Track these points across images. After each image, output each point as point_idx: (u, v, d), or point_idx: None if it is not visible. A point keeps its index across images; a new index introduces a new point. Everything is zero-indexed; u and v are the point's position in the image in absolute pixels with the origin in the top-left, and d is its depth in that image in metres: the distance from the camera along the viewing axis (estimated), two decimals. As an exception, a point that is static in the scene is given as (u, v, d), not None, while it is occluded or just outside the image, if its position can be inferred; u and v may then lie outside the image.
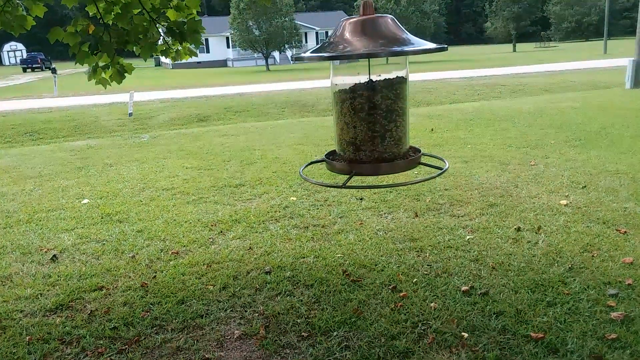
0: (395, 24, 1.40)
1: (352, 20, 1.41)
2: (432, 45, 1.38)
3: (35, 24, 3.99)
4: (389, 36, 1.37)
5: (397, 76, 1.50)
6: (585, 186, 5.41)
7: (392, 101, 1.49)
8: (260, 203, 5.45)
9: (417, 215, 4.79)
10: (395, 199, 5.26)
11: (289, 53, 47.81)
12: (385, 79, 1.48)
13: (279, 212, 5.11)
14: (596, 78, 19.42)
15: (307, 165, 1.88)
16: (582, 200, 4.98)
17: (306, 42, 52.21)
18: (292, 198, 5.53)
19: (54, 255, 4.25)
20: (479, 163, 6.66)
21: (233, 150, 8.48)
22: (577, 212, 4.65)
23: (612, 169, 6.02)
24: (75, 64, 3.79)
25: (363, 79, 1.47)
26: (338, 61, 1.54)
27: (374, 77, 1.46)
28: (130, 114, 13.97)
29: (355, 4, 45.02)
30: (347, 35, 1.38)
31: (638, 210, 4.61)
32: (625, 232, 4.14)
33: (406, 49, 1.36)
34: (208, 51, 51.06)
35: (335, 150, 1.64)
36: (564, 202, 4.95)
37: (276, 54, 46.41)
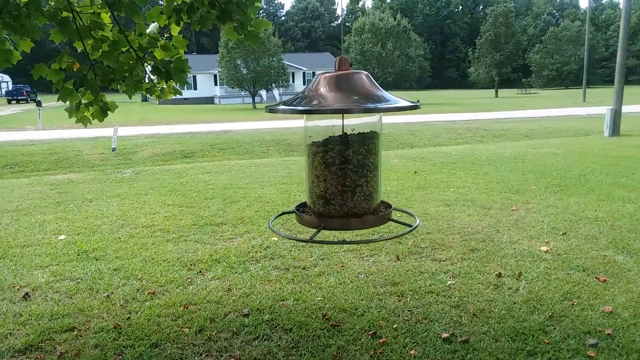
0: (369, 80, 1.42)
1: (327, 75, 1.42)
2: (405, 103, 1.40)
3: (21, 58, 3.98)
4: (363, 92, 1.39)
5: (370, 131, 1.51)
6: (565, 233, 5.45)
7: (363, 156, 1.49)
8: (242, 242, 5.39)
9: (398, 259, 4.77)
10: (377, 242, 5.24)
11: (276, 92, 48.39)
12: (357, 134, 1.48)
13: (260, 252, 5.06)
14: (576, 125, 19.89)
15: (277, 216, 1.86)
16: (562, 247, 5.01)
17: (293, 81, 52.97)
18: (273, 238, 5.48)
19: (26, 293, 4.13)
20: (461, 207, 6.69)
21: (216, 188, 8.44)
22: (558, 259, 4.67)
23: (592, 215, 6.09)
24: (58, 100, 3.78)
25: (337, 132, 1.47)
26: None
27: (348, 131, 1.47)
28: (114, 149, 13.89)
29: (342, 46, 45.98)
30: (322, 89, 1.39)
31: (617, 259, 4.64)
32: (604, 280, 4.16)
33: (379, 106, 1.37)
34: (195, 88, 51.49)
35: (306, 202, 1.63)
36: (544, 248, 4.97)
37: (263, 92, 46.92)
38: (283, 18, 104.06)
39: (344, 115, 1.45)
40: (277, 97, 50.04)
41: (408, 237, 5.39)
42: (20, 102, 48.89)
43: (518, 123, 21.06)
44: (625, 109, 16.86)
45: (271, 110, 1.42)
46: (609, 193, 7.28)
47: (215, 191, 8.15)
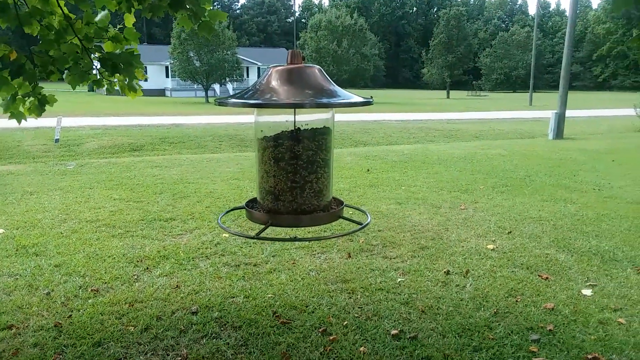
0: (322, 74, 1.39)
1: (279, 68, 1.39)
2: (358, 99, 1.38)
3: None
4: (316, 87, 1.36)
5: (322, 127, 1.48)
6: (510, 232, 5.61)
7: (313, 152, 1.46)
8: (191, 239, 5.28)
9: (350, 256, 4.78)
10: (328, 239, 5.23)
11: (229, 86, 47.80)
12: (308, 129, 1.45)
13: (210, 248, 4.97)
14: (522, 128, 20.58)
15: (227, 212, 1.81)
16: (508, 245, 5.16)
17: (247, 76, 52.47)
18: (224, 235, 5.40)
19: (-42, 290, 3.90)
20: (412, 205, 6.79)
21: (166, 182, 8.24)
22: (503, 257, 4.80)
23: (536, 215, 6.30)
24: (-9, 90, 3.57)
25: (288, 127, 1.44)
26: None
27: (300, 126, 1.44)
28: (57, 140, 13.35)
29: (298, 42, 45.89)
30: (274, 83, 1.36)
31: (559, 257, 4.81)
32: (547, 277, 4.30)
33: (332, 101, 1.35)
34: (146, 80, 50.17)
35: (256, 198, 1.59)
36: (491, 246, 5.10)
37: (217, 86, 46.27)
38: (238, 11, 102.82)
39: (296, 110, 1.42)
40: (231, 92, 49.42)
41: (359, 234, 5.42)
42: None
43: (468, 124, 21.61)
44: (569, 113, 17.57)
45: (221, 103, 1.37)
46: (552, 194, 7.56)
47: (165, 186, 7.96)
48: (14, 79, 3.63)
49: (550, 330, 3.40)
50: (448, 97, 54.41)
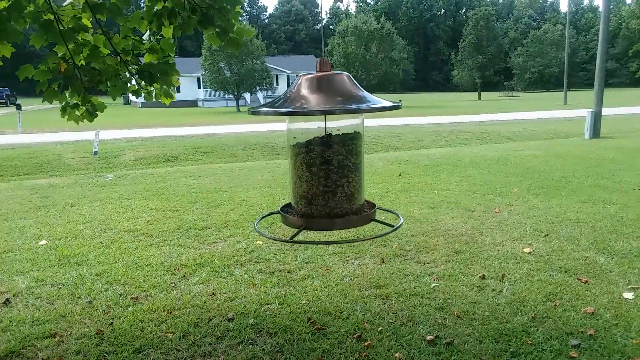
0: (350, 81, 1.42)
1: (309, 76, 1.42)
2: (387, 104, 1.40)
3: (1, 63, 3.92)
4: (345, 93, 1.39)
5: (352, 132, 1.51)
6: (547, 234, 5.51)
7: (344, 157, 1.49)
8: (226, 246, 5.36)
9: (383, 262, 4.78)
10: (361, 245, 5.24)
11: (260, 95, 48.29)
12: (338, 135, 1.48)
13: (245, 256, 5.03)
14: (557, 128, 20.15)
15: (263, 217, 1.85)
16: (545, 248, 5.06)
17: (277, 84, 52.88)
18: (258, 242, 5.46)
19: (7, 299, 4.06)
20: (445, 209, 6.73)
21: (200, 191, 8.39)
22: (540, 261, 4.72)
23: (573, 217, 6.17)
24: (42, 101, 3.73)
25: (320, 134, 1.47)
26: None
27: (331, 132, 1.46)
28: (96, 153, 13.72)
29: (326, 49, 45.98)
30: (304, 91, 1.39)
31: (598, 260, 4.70)
32: (586, 281, 4.21)
33: (361, 106, 1.37)
34: (179, 91, 51.09)
35: (290, 203, 1.63)
36: (527, 250, 5.02)
37: (247, 95, 46.79)
38: (266, 21, 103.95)
39: (327, 116, 1.44)
40: (261, 100, 49.89)
41: (393, 239, 5.41)
42: (0, 105, 48.14)
43: (500, 126, 21.28)
44: (605, 111, 17.11)
45: (254, 112, 1.41)
46: (590, 195, 7.38)
47: (199, 195, 8.10)
48: (62, 91, 3.78)
49: (590, 335, 3.33)
50: (479, 98, 53.67)
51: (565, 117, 25.41)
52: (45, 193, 8.55)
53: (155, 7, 4.04)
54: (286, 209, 1.63)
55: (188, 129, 21.03)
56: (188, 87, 50.92)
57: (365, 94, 1.42)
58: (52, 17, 3.87)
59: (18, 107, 22.13)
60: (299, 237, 1.51)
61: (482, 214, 6.47)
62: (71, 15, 4.06)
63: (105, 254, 5.18)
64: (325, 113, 1.40)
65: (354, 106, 1.37)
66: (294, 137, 1.53)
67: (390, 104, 1.40)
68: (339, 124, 1.50)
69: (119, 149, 14.66)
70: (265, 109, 1.41)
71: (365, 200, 1.66)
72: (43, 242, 5.62)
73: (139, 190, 8.62)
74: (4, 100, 48.33)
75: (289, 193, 1.67)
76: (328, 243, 1.76)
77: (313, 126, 1.49)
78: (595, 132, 15.79)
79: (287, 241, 1.49)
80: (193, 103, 50.68)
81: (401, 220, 1.69)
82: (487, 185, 8.35)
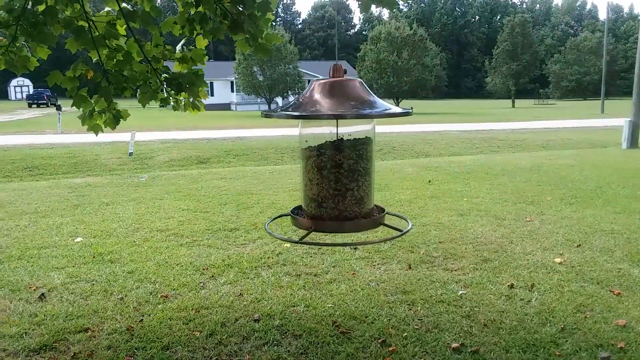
0: (363, 87, 1.45)
1: (322, 81, 1.45)
2: (398, 110, 1.42)
3: (38, 65, 4.08)
4: (357, 98, 1.41)
5: (363, 137, 1.52)
6: (580, 245, 5.40)
7: (354, 161, 1.51)
8: (254, 248, 5.43)
9: (410, 268, 4.76)
10: (389, 250, 5.24)
11: (291, 99, 48.52)
12: (350, 140, 1.50)
13: (272, 258, 5.09)
14: (593, 137, 19.68)
15: (274, 219, 1.89)
16: (577, 259, 4.97)
17: (309, 89, 53.14)
18: (285, 244, 5.51)
19: (42, 294, 4.20)
20: (474, 217, 6.67)
21: (230, 193, 8.51)
22: (571, 271, 4.63)
23: (607, 228, 6.03)
24: (72, 106, 3.87)
25: (331, 138, 1.49)
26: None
27: (342, 136, 1.49)
28: (131, 154, 14.07)
29: (358, 55, 46.02)
30: (317, 96, 1.42)
31: (632, 272, 4.59)
32: (619, 293, 4.12)
33: (373, 112, 1.40)
34: (212, 94, 51.87)
35: (301, 205, 1.65)
36: (558, 260, 4.93)
37: (279, 99, 47.18)
38: (300, 26, 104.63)
39: (338, 121, 1.47)
40: (293, 105, 50.18)
41: (420, 245, 5.39)
42: (41, 106, 49.70)
43: (534, 134, 20.91)
44: (644, 121, 16.62)
45: (267, 115, 1.46)
46: (626, 206, 7.20)
47: (230, 197, 8.21)
48: (91, 96, 3.91)
49: (621, 347, 3.26)
50: (513, 106, 52.83)
51: (602, 126, 24.79)
52: (82, 192, 8.80)
53: (189, 11, 4.14)
54: (297, 211, 1.66)
55: (220, 132, 21.32)
56: (222, 91, 51.64)
57: (377, 99, 1.45)
58: (85, 23, 4.02)
59: (58, 108, 22.82)
60: (309, 239, 1.54)
61: (512, 222, 6.38)
62: (105, 22, 4.19)
63: (137, 252, 5.30)
64: (336, 117, 1.43)
65: (366, 111, 1.40)
66: (306, 141, 1.56)
67: (400, 110, 1.43)
68: (351, 129, 1.53)
69: (153, 151, 14.97)
70: (278, 112, 1.45)
71: (375, 205, 1.68)
72: (79, 239, 5.80)
73: (171, 191, 8.79)
74: (45, 101, 49.89)
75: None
76: (334, 245, 1.79)
77: (325, 130, 1.51)
78: (633, 142, 15.37)
79: (295, 242, 1.52)
80: (226, 106, 51.32)
81: (410, 225, 1.70)
82: (518, 193, 8.22)
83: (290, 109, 1.45)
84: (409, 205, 7.41)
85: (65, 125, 21.87)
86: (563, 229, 6.01)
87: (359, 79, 1.47)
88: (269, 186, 9.19)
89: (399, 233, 1.64)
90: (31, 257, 5.14)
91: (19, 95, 64.67)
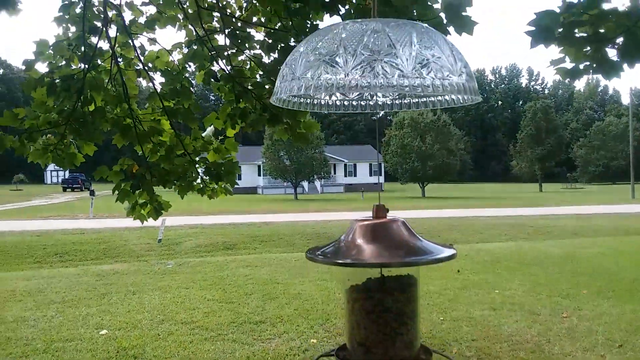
0: (406, 227, 1.45)
1: (364, 224, 1.46)
2: (444, 254, 1.42)
3: (84, 161, 4.26)
4: (400, 244, 1.41)
5: (409, 276, 1.51)
6: (621, 345, 5.12)
7: (403, 304, 1.49)
8: (280, 344, 5.29)
9: (442, 369, 4.55)
10: None
11: (317, 183, 49.24)
12: (397, 281, 1.49)
13: (299, 355, 4.94)
14: (626, 223, 19.22)
15: (317, 359, 1.82)
16: (620, 361, 4.70)
17: (334, 172, 53.92)
18: (312, 340, 5.36)
19: (64, 392, 4.12)
20: (507, 311, 6.43)
21: (256, 282, 8.43)
22: (615, 376, 4.36)
23: (650, 326, 5.73)
24: (116, 201, 3.98)
25: (375, 274, 1.48)
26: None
27: (384, 274, 1.47)
28: (160, 240, 14.23)
29: (383, 139, 46.90)
30: (359, 240, 1.43)
31: (682, 377, 4.30)
32: (669, 403, 3.84)
33: (418, 259, 1.40)
34: (240, 178, 52.88)
35: (346, 345, 1.60)
36: (600, 362, 4.67)
37: (305, 183, 47.80)
38: (326, 111, 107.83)
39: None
40: (319, 188, 50.78)
41: (452, 343, 5.19)
42: (75, 190, 51.27)
43: (564, 220, 20.54)
44: (678, 207, 16.25)
45: (311, 258, 1.46)
46: (667, 300, 6.87)
47: (255, 286, 8.13)
48: (134, 191, 4.04)
49: None
50: (541, 190, 52.39)
51: (635, 212, 24.26)
52: (109, 280, 8.85)
53: (230, 108, 4.32)
54: (342, 354, 1.60)
55: (247, 217, 21.54)
56: (249, 175, 52.69)
57: (420, 241, 1.45)
58: (131, 121, 4.22)
59: (92, 193, 23.51)
60: None
61: (548, 318, 6.12)
62: (150, 119, 4.41)
63: (161, 347, 5.21)
64: (382, 266, 1.43)
65: (411, 259, 1.40)
66: (348, 280, 1.55)
67: (446, 254, 1.42)
68: (397, 270, 1.52)
69: (181, 236, 15.14)
70: (322, 257, 1.45)
71: (421, 345, 1.63)
72: (104, 331, 5.75)
73: (197, 280, 8.76)
74: (79, 185, 51.50)
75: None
76: None
77: (367, 268, 1.50)
78: (669, 230, 14.92)
79: None
80: (253, 190, 52.16)
81: None
82: (552, 285, 7.95)
83: (330, 253, 1.46)
84: (438, 297, 7.21)
85: (96, 210, 22.42)
86: (602, 327, 5.73)
87: (402, 220, 1.48)
88: (294, 275, 9.10)
89: None
90: (56, 351, 5.10)
91: (54, 180, 67.07)
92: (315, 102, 1.47)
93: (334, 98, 1.59)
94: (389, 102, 1.59)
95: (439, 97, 1.35)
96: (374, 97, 1.60)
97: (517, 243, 14.27)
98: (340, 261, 1.41)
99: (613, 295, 7.27)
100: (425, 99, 1.47)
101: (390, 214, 1.52)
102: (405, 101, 1.54)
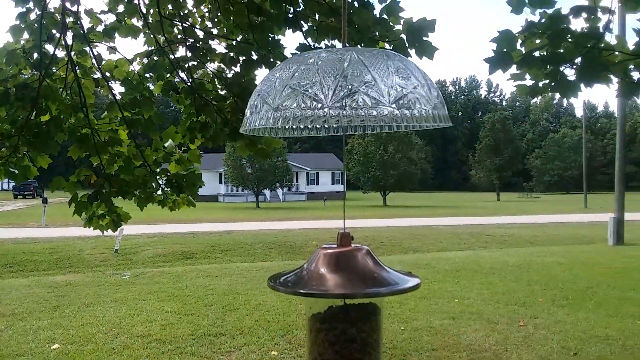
0: (371, 257, 1.43)
1: (328, 252, 1.43)
2: (408, 284, 1.40)
3: (38, 174, 4.09)
4: (365, 274, 1.39)
5: (371, 304, 1.48)
6: (576, 353, 5.26)
7: (366, 334, 1.46)
8: (240, 356, 5.20)
9: (403, 380, 4.56)
10: None
11: (279, 191, 49.05)
12: (360, 309, 1.46)
13: (259, 368, 4.86)
14: (579, 232, 19.85)
15: None
16: (574, 369, 4.81)
17: (297, 181, 53.84)
18: (273, 352, 5.29)
19: (11, 412, 3.92)
20: (466, 320, 6.51)
21: (216, 293, 8.29)
22: (570, 384, 4.46)
23: (602, 333, 5.90)
24: (73, 215, 3.83)
25: (337, 302, 1.45)
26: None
27: (348, 301, 1.44)
28: (116, 251, 13.83)
29: (346, 148, 47.16)
30: (322, 269, 1.40)
31: (632, 384, 4.43)
32: (621, 410, 3.94)
33: (382, 290, 1.38)
34: (200, 186, 52.15)
35: None
36: (555, 370, 4.77)
37: (267, 191, 47.52)
38: (298, 135, 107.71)
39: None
40: (280, 196, 50.58)
41: (412, 353, 5.21)
42: (27, 197, 49.44)
43: (521, 229, 21.06)
44: (627, 216, 16.88)
45: (273, 287, 1.42)
46: (618, 308, 7.10)
47: (215, 297, 7.99)
48: (92, 203, 3.90)
49: None
50: (498, 199, 53.65)
51: (587, 221, 25.09)
52: (61, 291, 8.53)
53: (189, 121, 4.23)
54: None
55: (207, 225, 21.20)
56: (210, 182, 51.90)
57: (385, 270, 1.43)
58: (89, 131, 4.09)
59: (44, 201, 22.70)
60: None
61: (505, 326, 6.23)
62: (108, 129, 4.28)
63: (116, 361, 5.04)
64: (344, 297, 1.41)
65: (375, 290, 1.38)
66: (310, 308, 1.51)
67: (410, 285, 1.40)
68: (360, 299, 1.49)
69: (139, 245, 14.77)
70: (283, 288, 1.41)
71: None
72: (55, 345, 5.52)
73: (154, 291, 8.55)
74: (31, 192, 49.66)
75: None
76: None
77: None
78: (619, 239, 15.49)
79: None
80: (214, 198, 51.45)
81: None
82: (509, 294, 8.11)
83: (292, 282, 1.42)
84: (400, 307, 7.24)
85: (49, 217, 21.67)
86: (557, 335, 5.87)
87: (367, 248, 1.45)
88: (255, 285, 8.99)
89: None
90: (3, 368, 4.87)
91: (5, 186, 64.41)
92: (287, 127, 1.44)
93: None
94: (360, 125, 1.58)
95: (413, 124, 1.35)
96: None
97: (476, 252, 14.53)
98: (302, 291, 1.37)
99: (567, 303, 7.47)
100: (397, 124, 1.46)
101: (354, 243, 1.49)
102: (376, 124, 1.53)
